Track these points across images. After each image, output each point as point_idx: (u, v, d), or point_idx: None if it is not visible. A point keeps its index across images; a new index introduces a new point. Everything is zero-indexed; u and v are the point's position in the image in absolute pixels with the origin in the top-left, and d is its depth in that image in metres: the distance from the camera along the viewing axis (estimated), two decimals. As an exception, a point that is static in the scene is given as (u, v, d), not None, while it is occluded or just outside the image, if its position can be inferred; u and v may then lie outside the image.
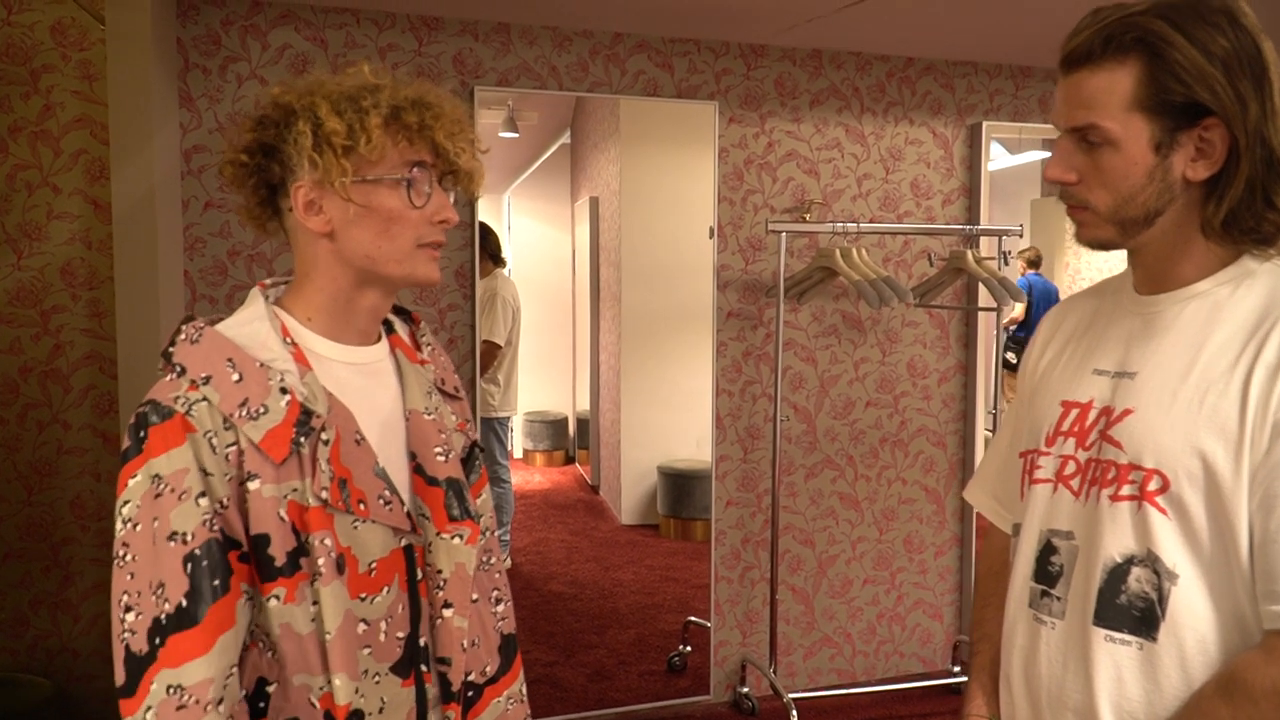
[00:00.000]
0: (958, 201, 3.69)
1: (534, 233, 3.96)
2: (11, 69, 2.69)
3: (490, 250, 3.29)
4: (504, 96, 3.18)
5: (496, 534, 1.37)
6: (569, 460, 4.22)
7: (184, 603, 1.01)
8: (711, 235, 3.39)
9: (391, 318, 1.29)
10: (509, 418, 3.62)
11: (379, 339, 1.24)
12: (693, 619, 3.59)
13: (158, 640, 1.00)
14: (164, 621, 1.00)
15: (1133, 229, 1.11)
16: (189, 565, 1.01)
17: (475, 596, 1.26)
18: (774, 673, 3.40)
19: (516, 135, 3.51)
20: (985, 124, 3.64)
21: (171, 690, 0.99)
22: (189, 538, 1.02)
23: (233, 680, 1.04)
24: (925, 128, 3.62)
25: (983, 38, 3.29)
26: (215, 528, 1.03)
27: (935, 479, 3.73)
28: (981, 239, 3.62)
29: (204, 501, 1.03)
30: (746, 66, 3.37)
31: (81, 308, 2.79)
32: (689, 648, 3.58)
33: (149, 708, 0.99)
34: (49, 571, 2.83)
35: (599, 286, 3.84)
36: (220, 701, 1.01)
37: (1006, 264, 3.50)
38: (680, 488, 3.78)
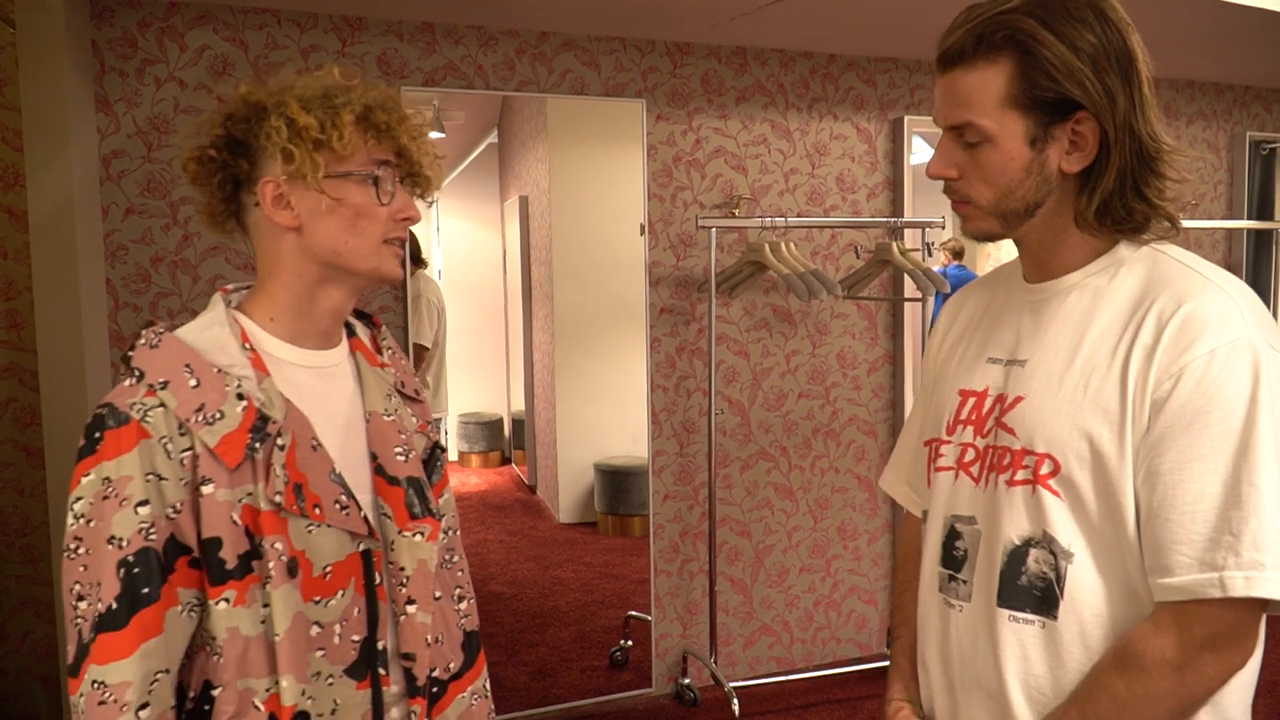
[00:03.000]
0: (882, 195, 3.77)
1: (463, 233, 3.94)
2: (-83, 74, 2.61)
3: (410, 251, 3.27)
4: (429, 96, 3.16)
5: (458, 533, 1.39)
6: (505, 461, 4.21)
7: (114, 605, 1.04)
8: (642, 232, 3.41)
9: (353, 321, 1.32)
10: (439, 420, 3.60)
11: (340, 341, 1.26)
12: (633, 614, 3.61)
13: (93, 635, 1.04)
14: (98, 619, 1.04)
15: (1014, 221, 1.15)
16: (121, 570, 1.04)
17: (438, 594, 1.28)
18: (715, 663, 3.44)
19: (443, 135, 3.49)
20: (907, 118, 3.72)
21: (96, 685, 1.03)
22: (124, 544, 1.04)
23: (159, 686, 1.06)
24: (849, 123, 3.69)
25: (902, 34, 3.36)
26: (154, 537, 1.05)
27: (867, 467, 3.81)
28: (905, 231, 3.69)
29: (144, 510, 1.05)
30: (673, 64, 3.40)
31: (-2, 319, 2.72)
32: (630, 642, 3.60)
33: (82, 694, 1.04)
34: (-29, 591, 2.75)
35: (531, 286, 3.84)
36: (144, 706, 1.04)
37: (930, 255, 3.58)
38: (617, 484, 3.80)
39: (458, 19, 3.04)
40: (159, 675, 1.06)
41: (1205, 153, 4.44)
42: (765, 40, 3.42)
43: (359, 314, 1.35)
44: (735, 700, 3.22)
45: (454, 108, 3.43)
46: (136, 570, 1.04)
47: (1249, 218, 4.53)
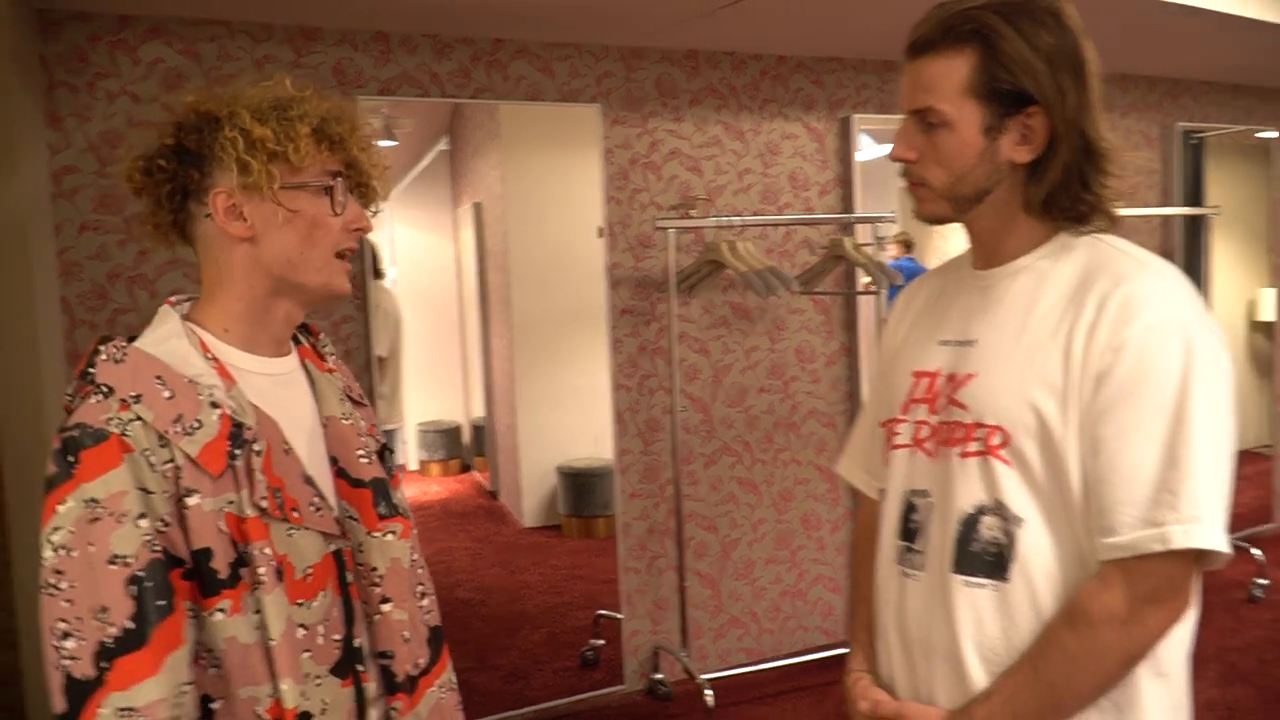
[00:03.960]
0: (833, 192, 3.84)
1: (417, 241, 3.93)
2: None
3: (372, 263, 3.26)
4: (378, 105, 3.16)
5: (415, 532, 1.40)
6: (465, 468, 4.20)
7: (130, 625, 1.01)
8: (601, 235, 3.44)
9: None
10: (395, 430, 3.60)
11: (290, 350, 1.27)
12: (603, 612, 3.64)
13: (104, 664, 1.00)
14: (110, 645, 1.00)
15: (964, 205, 1.22)
16: (133, 587, 1.01)
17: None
18: (686, 657, 3.49)
19: (395, 143, 3.49)
20: (854, 117, 3.80)
21: (122, 713, 0.99)
22: (131, 560, 1.02)
23: (186, 698, 1.05)
24: (799, 122, 3.76)
25: (849, 35, 3.44)
26: (157, 548, 1.04)
27: (828, 458, 3.88)
28: (857, 226, 3.77)
29: (144, 523, 1.03)
30: (627, 69, 3.43)
31: (-47, 341, 2.67)
32: (601, 641, 3.63)
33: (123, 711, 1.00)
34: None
35: (487, 292, 3.84)
36: None
37: (882, 249, 3.66)
38: (581, 487, 3.82)
39: (412, 28, 3.05)
40: (185, 688, 1.05)
41: (1140, 144, 4.59)
42: (717, 43, 3.48)
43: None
44: (708, 692, 3.26)
45: (403, 115, 3.43)
46: (149, 584, 1.02)
47: (1181, 205, 4.70)
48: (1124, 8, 3.15)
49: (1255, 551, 4.37)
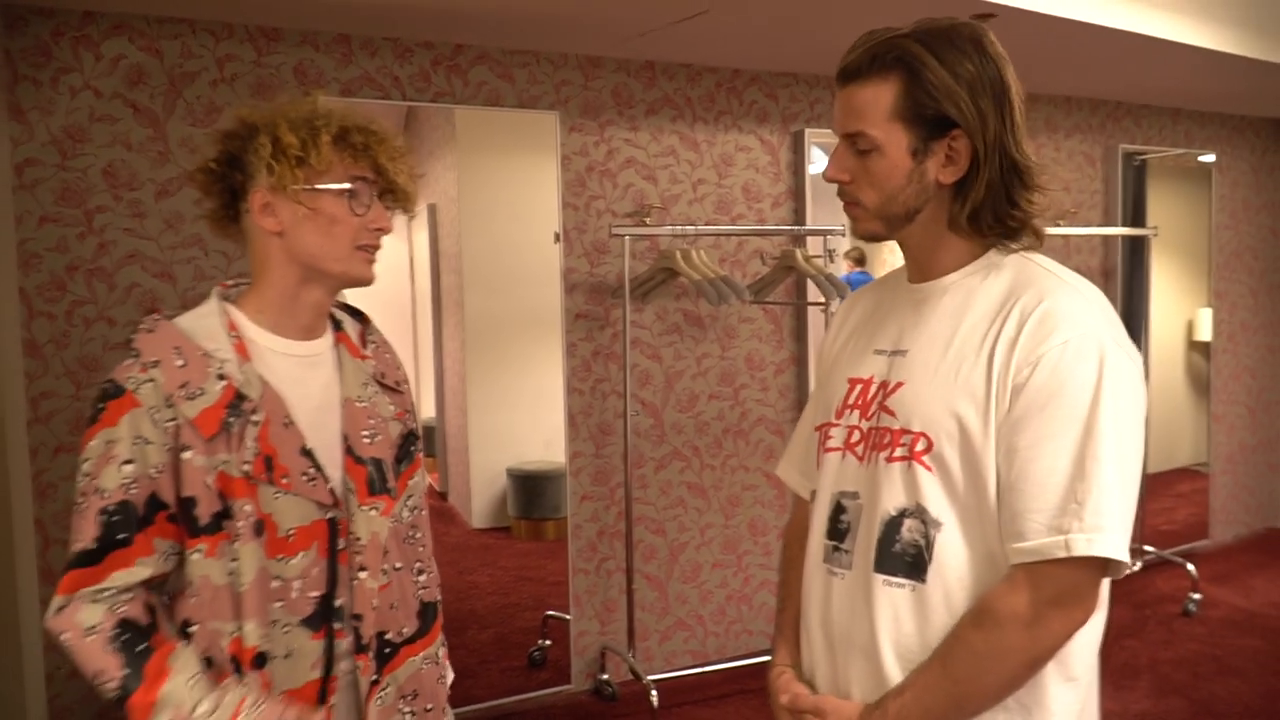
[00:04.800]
0: (785, 204, 3.94)
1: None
2: None
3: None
4: (344, 102, 3.19)
5: (424, 513, 1.54)
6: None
7: (91, 547, 1.23)
8: (557, 240, 3.51)
9: (342, 317, 1.47)
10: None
11: (324, 334, 1.42)
12: (551, 613, 3.69)
13: (66, 571, 1.25)
14: (74, 557, 1.24)
15: (896, 223, 1.29)
16: (101, 517, 1.23)
17: (399, 565, 1.42)
18: (633, 658, 3.54)
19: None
20: (807, 131, 3.90)
21: (59, 610, 1.25)
22: (107, 494, 1.24)
23: (116, 600, 1.25)
24: (753, 135, 3.85)
25: (801, 51, 3.54)
26: (134, 491, 1.24)
27: (775, 465, 3.96)
28: (808, 238, 3.87)
29: (128, 468, 1.24)
30: (585, 77, 3.51)
31: (-94, 329, 2.67)
32: (549, 641, 3.68)
33: (48, 618, 1.25)
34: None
35: (440, 294, 3.87)
36: (101, 593, 1.24)
37: (832, 261, 3.75)
38: (531, 489, 3.86)
39: (373, 31, 3.10)
40: (122, 595, 1.25)
41: (1082, 164, 4.75)
42: (674, 55, 3.56)
43: (352, 311, 1.51)
44: (654, 693, 3.32)
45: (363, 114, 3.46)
46: (116, 519, 1.23)
47: (1124, 225, 4.85)
48: (1064, 32, 3.27)
49: (1190, 567, 4.51)
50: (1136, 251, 4.96)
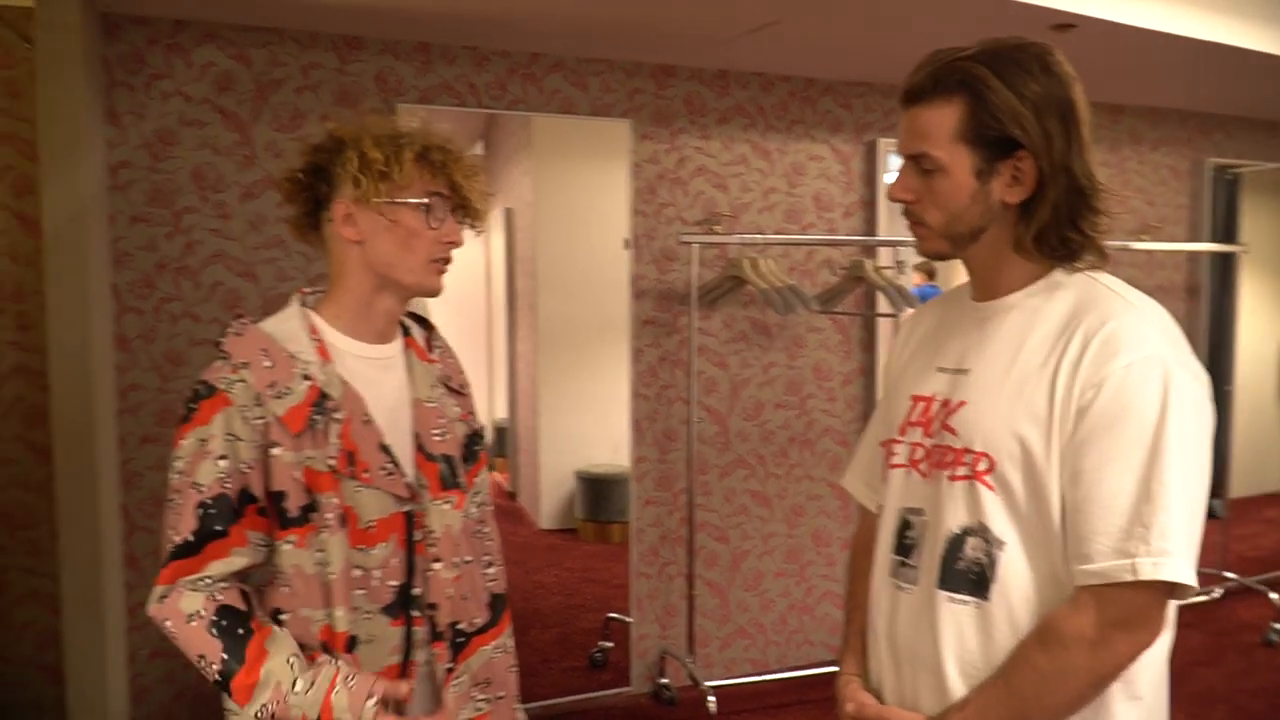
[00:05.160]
0: (857, 214, 3.92)
1: (465, 244, 4.03)
2: (-66, 86, 2.72)
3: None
4: (420, 108, 3.28)
5: (490, 508, 1.62)
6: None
7: (190, 539, 1.31)
8: (627, 246, 3.55)
9: (410, 324, 1.54)
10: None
11: (395, 339, 1.50)
12: (613, 615, 3.73)
13: (167, 563, 1.32)
14: (174, 549, 1.31)
15: (961, 243, 1.29)
16: (199, 510, 1.31)
17: (469, 558, 1.51)
18: (692, 663, 3.56)
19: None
20: (881, 141, 3.88)
21: (161, 599, 1.32)
22: (204, 489, 1.31)
23: (214, 588, 1.33)
24: (826, 144, 3.84)
25: (876, 61, 3.52)
26: (230, 485, 1.31)
27: (840, 476, 3.93)
28: (879, 249, 3.85)
29: (223, 463, 1.31)
30: (658, 86, 3.54)
31: (9, 320, 2.82)
32: (610, 643, 3.72)
33: (161, 596, 1.33)
34: (-24, 582, 2.85)
35: (515, 296, 3.94)
36: (201, 581, 1.32)
37: (903, 273, 3.73)
38: (598, 492, 3.90)
39: (452, 40, 3.18)
40: (221, 584, 1.33)
41: (1168, 178, 4.62)
42: (746, 64, 3.58)
43: (418, 319, 1.58)
44: (711, 699, 3.34)
45: (441, 120, 3.55)
46: (213, 511, 1.31)
47: (1214, 241, 4.70)
48: (1153, 43, 3.21)
49: (1273, 595, 4.36)
50: (1226, 268, 4.81)
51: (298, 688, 1.29)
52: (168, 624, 1.31)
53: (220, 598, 1.31)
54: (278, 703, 1.29)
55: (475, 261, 4.06)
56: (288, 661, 1.31)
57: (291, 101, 3.03)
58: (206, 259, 2.96)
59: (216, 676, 1.30)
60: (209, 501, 1.30)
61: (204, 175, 2.95)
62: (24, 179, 2.80)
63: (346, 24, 2.98)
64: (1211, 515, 4.81)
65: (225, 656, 1.29)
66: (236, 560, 1.32)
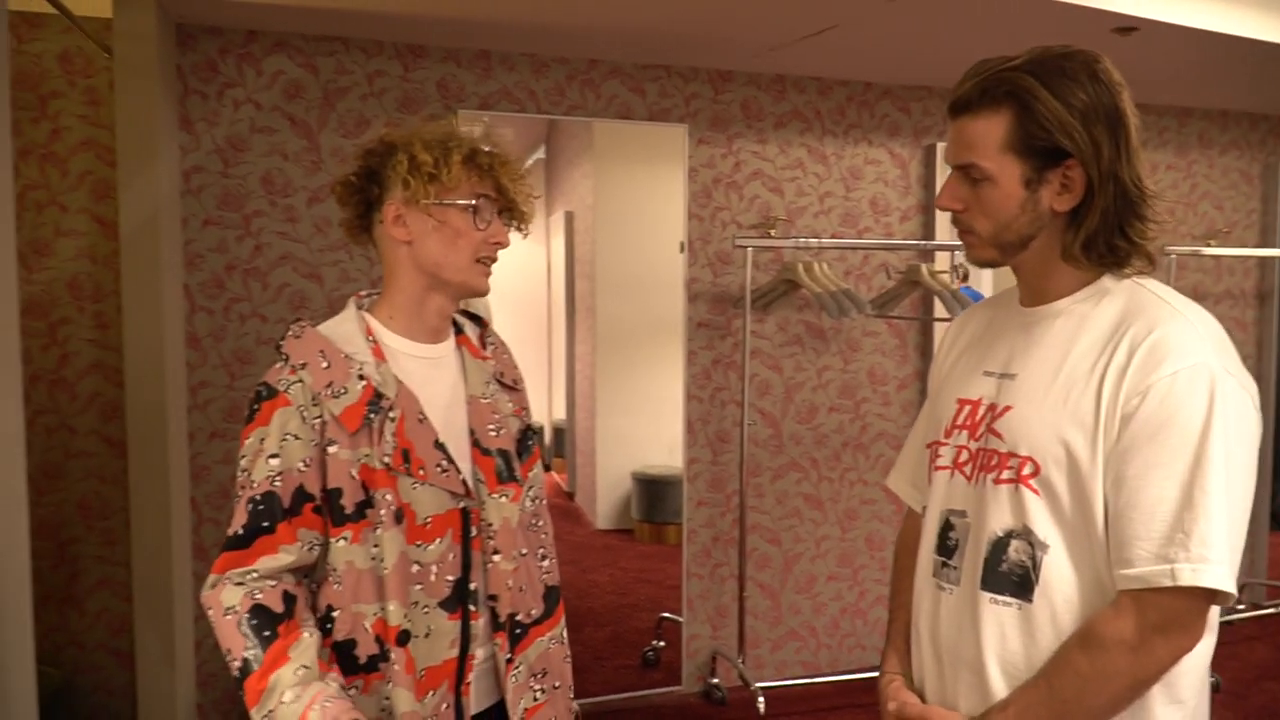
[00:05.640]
0: (914, 218, 3.91)
1: (510, 245, 4.09)
2: (21, 95, 2.86)
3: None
4: (483, 115, 3.34)
5: (544, 503, 1.66)
6: (544, 468, 4.35)
7: (240, 532, 1.35)
8: (682, 250, 3.58)
9: (463, 321, 1.59)
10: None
11: (448, 337, 1.54)
12: (666, 615, 3.76)
13: (219, 554, 1.37)
14: (226, 541, 1.36)
15: (1010, 251, 1.31)
16: (249, 506, 1.35)
17: (524, 551, 1.54)
18: (742, 664, 3.58)
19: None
20: (940, 144, 3.86)
21: (213, 586, 1.37)
22: (255, 485, 1.36)
23: (264, 582, 1.36)
24: (883, 148, 3.84)
25: (935, 64, 3.51)
26: (279, 484, 1.36)
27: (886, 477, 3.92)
28: (936, 253, 3.83)
29: (274, 462, 1.36)
30: (714, 91, 3.57)
31: (87, 319, 2.95)
32: (662, 643, 3.75)
33: (212, 584, 1.37)
34: (56, 569, 2.98)
35: (574, 298, 3.98)
36: (246, 577, 1.36)
37: (959, 278, 3.70)
38: (654, 493, 3.93)
39: (512, 47, 3.25)
40: (268, 581, 1.37)
41: (1238, 182, 4.52)
42: (804, 69, 3.59)
43: (471, 316, 1.63)
44: (762, 700, 3.35)
45: (503, 126, 3.62)
46: (261, 508, 1.35)
47: (1283, 246, 4.59)
48: (1223, 46, 3.15)
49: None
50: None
51: (286, 697, 1.29)
52: (210, 612, 1.35)
53: (258, 596, 1.34)
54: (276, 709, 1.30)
55: (536, 264, 4.11)
56: (296, 671, 1.31)
57: (357, 108, 3.12)
58: (274, 261, 3.06)
59: (235, 674, 1.32)
60: (258, 498, 1.35)
61: (273, 180, 3.05)
62: (103, 184, 2.93)
63: (410, 33, 3.06)
64: (1278, 527, 4.70)
65: (246, 656, 1.31)
66: (284, 557, 1.35)
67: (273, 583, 1.35)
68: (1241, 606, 4.24)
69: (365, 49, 3.12)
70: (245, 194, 3.02)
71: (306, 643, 1.34)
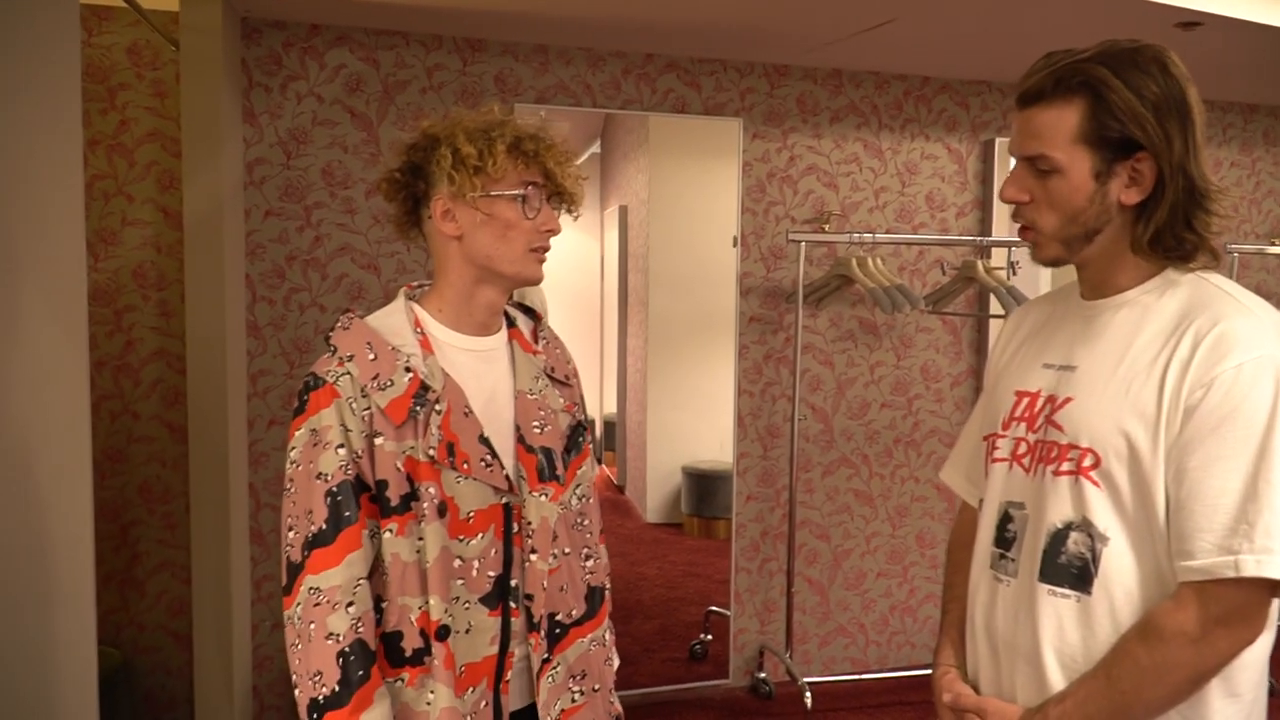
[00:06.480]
0: (970, 214, 3.87)
1: (564, 239, 4.08)
2: (91, 87, 2.93)
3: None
4: (539, 109, 3.37)
5: (592, 501, 1.63)
6: (598, 462, 4.38)
7: (324, 526, 1.33)
8: (735, 244, 3.58)
9: (515, 314, 1.57)
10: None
11: (498, 330, 1.52)
12: (714, 609, 3.77)
13: (306, 553, 1.34)
14: (310, 538, 1.33)
15: (1076, 245, 1.29)
16: (328, 499, 1.34)
17: (567, 550, 1.52)
18: (790, 659, 3.58)
19: (556, 141, 3.68)
20: (998, 140, 3.82)
21: (311, 591, 1.33)
22: (329, 478, 1.34)
23: (361, 589, 1.34)
24: (940, 143, 3.80)
25: (994, 59, 3.47)
26: (350, 472, 1.35)
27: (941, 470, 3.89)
28: (992, 250, 3.79)
29: (342, 451, 1.35)
30: (770, 85, 3.56)
31: (151, 307, 3.02)
32: (710, 636, 3.76)
33: (299, 603, 1.33)
34: (118, 551, 3.06)
35: (627, 292, 3.99)
36: (350, 604, 1.32)
37: (1015, 274, 3.66)
38: (704, 487, 3.93)
39: (569, 41, 3.26)
40: (360, 581, 1.35)
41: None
42: (860, 63, 3.57)
43: (524, 309, 1.60)
44: (809, 695, 3.35)
45: (560, 119, 3.64)
46: (340, 498, 1.34)
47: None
48: (1271, 39, 3.09)
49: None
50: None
51: None
52: (301, 624, 1.32)
53: (361, 631, 1.32)
54: None
55: (590, 257, 4.13)
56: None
57: (416, 101, 3.16)
58: (333, 252, 3.11)
59: (317, 697, 1.30)
60: (334, 489, 1.33)
61: (333, 172, 3.09)
62: (168, 174, 3.00)
63: (468, 27, 3.09)
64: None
65: (338, 689, 1.30)
66: (368, 550, 1.34)
67: (368, 606, 1.34)
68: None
69: (425, 43, 3.15)
70: (306, 186, 3.07)
71: (384, 693, 1.34)
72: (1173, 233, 1.24)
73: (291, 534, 1.35)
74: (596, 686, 1.54)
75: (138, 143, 2.98)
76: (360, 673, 1.32)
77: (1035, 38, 3.09)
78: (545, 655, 1.46)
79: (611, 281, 4.09)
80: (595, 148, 4.07)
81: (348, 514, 1.34)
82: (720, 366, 3.66)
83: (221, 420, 2.81)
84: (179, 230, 2.97)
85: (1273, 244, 4.16)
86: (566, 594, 1.50)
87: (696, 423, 3.94)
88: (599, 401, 4.24)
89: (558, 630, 1.48)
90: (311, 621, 1.32)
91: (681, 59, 3.44)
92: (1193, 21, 2.82)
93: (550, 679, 1.47)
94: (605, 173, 4.10)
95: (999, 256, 3.83)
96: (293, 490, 1.36)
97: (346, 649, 1.31)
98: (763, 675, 3.67)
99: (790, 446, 3.59)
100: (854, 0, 2.77)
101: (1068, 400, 1.29)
